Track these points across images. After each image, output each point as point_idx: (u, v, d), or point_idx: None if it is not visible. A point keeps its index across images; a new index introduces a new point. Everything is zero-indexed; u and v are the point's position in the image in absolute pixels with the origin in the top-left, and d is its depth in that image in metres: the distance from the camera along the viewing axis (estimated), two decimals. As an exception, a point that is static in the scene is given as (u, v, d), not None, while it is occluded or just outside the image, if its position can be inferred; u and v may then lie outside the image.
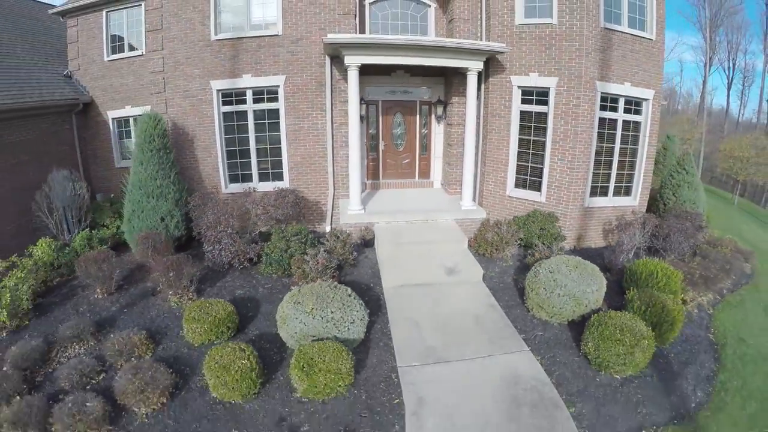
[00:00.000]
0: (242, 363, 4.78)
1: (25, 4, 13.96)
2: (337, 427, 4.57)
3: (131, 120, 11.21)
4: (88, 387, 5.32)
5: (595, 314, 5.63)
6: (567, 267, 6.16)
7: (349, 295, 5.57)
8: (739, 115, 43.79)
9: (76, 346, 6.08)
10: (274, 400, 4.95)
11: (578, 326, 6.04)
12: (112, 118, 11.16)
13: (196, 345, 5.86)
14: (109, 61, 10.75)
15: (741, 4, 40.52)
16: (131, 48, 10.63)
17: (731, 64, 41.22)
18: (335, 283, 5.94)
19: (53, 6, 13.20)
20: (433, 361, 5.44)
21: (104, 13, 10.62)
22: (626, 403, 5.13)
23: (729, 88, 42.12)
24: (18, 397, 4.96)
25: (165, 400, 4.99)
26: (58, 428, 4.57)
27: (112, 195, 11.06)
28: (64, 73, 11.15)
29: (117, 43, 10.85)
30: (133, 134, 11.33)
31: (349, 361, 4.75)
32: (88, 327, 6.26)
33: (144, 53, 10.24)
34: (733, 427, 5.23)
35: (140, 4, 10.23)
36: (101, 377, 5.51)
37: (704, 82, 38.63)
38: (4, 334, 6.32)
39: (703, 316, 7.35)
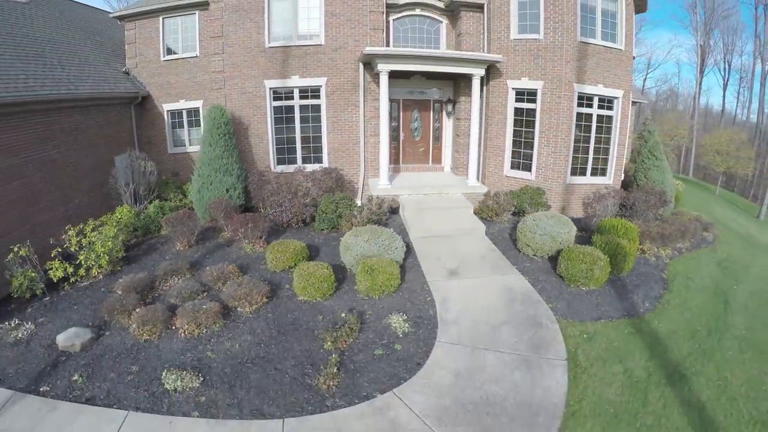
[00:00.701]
0: (323, 271, 7.05)
1: (84, 9, 16.23)
2: (390, 311, 6.83)
3: (184, 112, 13.41)
4: (194, 300, 7.42)
5: (567, 247, 7.93)
6: (546, 217, 8.53)
7: (392, 231, 7.87)
8: (735, 114, 46.40)
9: (175, 278, 8.00)
10: (344, 299, 7.21)
11: (555, 260, 8.35)
12: (167, 110, 13.27)
13: (278, 271, 8.09)
14: (165, 60, 12.92)
15: (734, 7, 43.14)
16: (186, 50, 12.82)
17: (726, 65, 44.16)
18: (379, 226, 8.22)
19: (104, 11, 15.43)
20: (452, 277, 7.73)
21: (161, 19, 12.72)
22: (589, 304, 7.43)
23: (725, 89, 45.05)
24: (138, 309, 6.79)
25: (265, 300, 7.18)
26: (182, 322, 6.51)
27: (163, 177, 13.01)
28: (123, 70, 13.05)
29: (172, 45, 13.01)
30: (185, 124, 13.56)
31: (397, 267, 7.06)
32: (184, 265, 8.34)
33: (198, 55, 12.54)
34: (670, 323, 7.46)
35: (194, 13, 12.51)
36: (204, 295, 7.50)
37: (697, 83, 41.47)
38: (101, 277, 8.23)
39: (659, 263, 9.56)
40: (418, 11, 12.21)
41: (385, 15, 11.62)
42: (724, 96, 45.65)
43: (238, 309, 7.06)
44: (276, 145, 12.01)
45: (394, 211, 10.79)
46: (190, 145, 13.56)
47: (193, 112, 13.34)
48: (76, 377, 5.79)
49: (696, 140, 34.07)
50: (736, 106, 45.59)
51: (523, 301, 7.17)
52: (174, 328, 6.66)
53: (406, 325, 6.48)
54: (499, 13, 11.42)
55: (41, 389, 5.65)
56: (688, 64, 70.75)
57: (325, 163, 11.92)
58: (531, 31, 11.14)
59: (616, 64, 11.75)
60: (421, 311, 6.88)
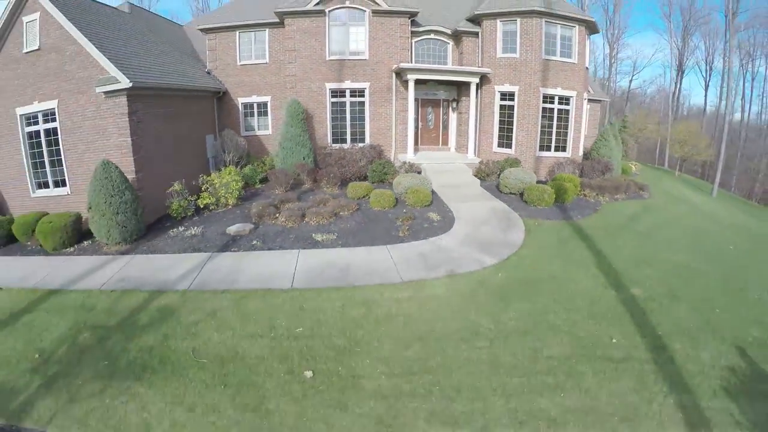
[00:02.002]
0: (389, 192, 13.44)
1: (160, 19, 22.40)
2: (428, 212, 13.19)
3: (255, 105, 19.46)
4: (313, 209, 13.60)
5: (529, 186, 14.47)
6: (517, 170, 15.12)
7: (424, 176, 14.30)
8: (718, 112, 53.22)
9: (288, 204, 14.18)
10: (399, 209, 13.58)
11: (522, 195, 14.84)
12: (241, 103, 19.43)
13: (355, 199, 14.40)
14: (240, 65, 19.16)
15: (710, 14, 50.30)
16: (257, 57, 19.02)
17: (708, 67, 51.78)
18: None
19: (174, 22, 21.45)
20: (461, 202, 14.17)
21: (237, 33, 18.91)
22: (541, 213, 13.90)
23: (706, 89, 52.49)
24: (279, 213, 13.19)
25: (355, 209, 13.45)
26: (311, 217, 12.81)
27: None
28: (206, 70, 19.13)
29: (245, 53, 19.18)
30: (255, 114, 19.68)
31: (430, 192, 13.47)
32: (293, 197, 14.62)
33: (268, 62, 18.79)
34: (592, 224, 13.77)
35: (265, 30, 18.81)
36: (313, 210, 13.77)
37: (673, 82, 49.10)
38: (230, 206, 14.31)
39: (597, 203, 15.95)
40: (432, 36, 18.89)
41: (410, 38, 18.24)
42: (705, 96, 53.59)
43: (340, 213, 13.29)
44: (332, 129, 18.40)
45: (418, 173, 17.18)
46: (258, 130, 19.74)
47: (262, 105, 19.50)
48: (254, 242, 11.72)
49: (670, 136, 41.42)
50: (719, 105, 52.94)
51: (502, 211, 13.64)
52: (305, 221, 12.87)
53: (438, 217, 12.89)
54: (490, 38, 18.11)
55: (232, 250, 11.51)
56: (670, 66, 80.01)
57: (368, 142, 18.34)
58: (511, 51, 17.83)
59: (570, 73, 18.50)
60: (445, 214, 13.31)
